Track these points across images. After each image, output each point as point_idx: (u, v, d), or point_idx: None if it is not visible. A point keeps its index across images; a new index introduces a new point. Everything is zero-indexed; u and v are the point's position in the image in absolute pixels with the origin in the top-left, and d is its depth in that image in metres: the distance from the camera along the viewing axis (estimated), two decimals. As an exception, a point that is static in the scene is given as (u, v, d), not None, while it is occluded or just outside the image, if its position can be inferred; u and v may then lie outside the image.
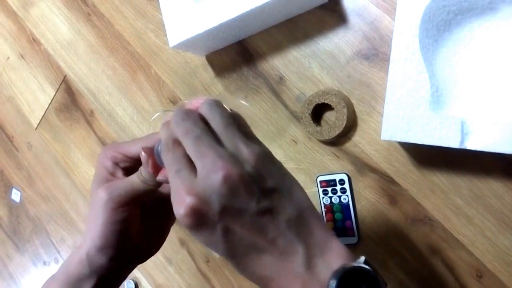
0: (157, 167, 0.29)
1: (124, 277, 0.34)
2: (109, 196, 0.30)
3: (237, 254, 0.24)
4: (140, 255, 0.34)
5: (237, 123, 0.26)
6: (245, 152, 0.24)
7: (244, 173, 0.23)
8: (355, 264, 0.23)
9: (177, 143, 0.25)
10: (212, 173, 0.22)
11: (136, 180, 0.30)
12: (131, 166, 0.33)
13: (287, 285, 0.24)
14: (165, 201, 0.31)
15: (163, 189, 0.34)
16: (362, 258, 0.24)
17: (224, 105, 0.27)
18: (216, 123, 0.25)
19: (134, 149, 0.31)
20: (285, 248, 0.24)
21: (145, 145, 0.30)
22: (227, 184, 0.22)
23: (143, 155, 0.29)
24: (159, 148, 0.28)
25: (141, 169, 0.30)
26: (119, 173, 0.32)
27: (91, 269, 0.31)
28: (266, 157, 0.25)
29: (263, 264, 0.24)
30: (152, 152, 0.29)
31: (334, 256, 0.24)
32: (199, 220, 0.23)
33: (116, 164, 0.32)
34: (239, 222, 0.23)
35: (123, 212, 0.30)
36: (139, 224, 0.33)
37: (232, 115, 0.26)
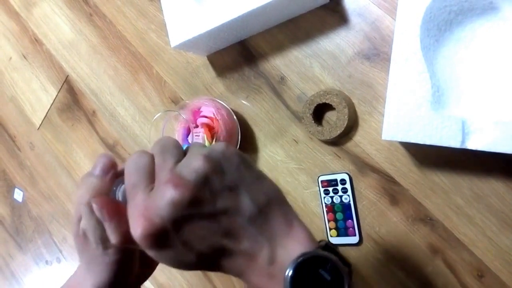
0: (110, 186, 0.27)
1: None
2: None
3: (206, 263, 0.24)
4: (138, 281, 0.33)
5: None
6: (195, 159, 0.23)
7: (192, 181, 0.22)
8: (312, 251, 0.23)
9: (145, 154, 0.25)
10: (161, 188, 0.22)
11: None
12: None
13: (255, 279, 0.24)
14: None
15: None
16: (323, 243, 0.24)
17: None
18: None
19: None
20: (251, 247, 0.24)
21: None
22: (174, 197, 0.22)
23: (103, 162, 0.26)
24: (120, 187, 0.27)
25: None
26: None
27: None
28: (220, 156, 0.24)
29: (233, 264, 0.24)
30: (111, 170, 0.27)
31: (295, 244, 0.24)
32: (157, 240, 0.22)
33: None
34: (198, 230, 0.23)
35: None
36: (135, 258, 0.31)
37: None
